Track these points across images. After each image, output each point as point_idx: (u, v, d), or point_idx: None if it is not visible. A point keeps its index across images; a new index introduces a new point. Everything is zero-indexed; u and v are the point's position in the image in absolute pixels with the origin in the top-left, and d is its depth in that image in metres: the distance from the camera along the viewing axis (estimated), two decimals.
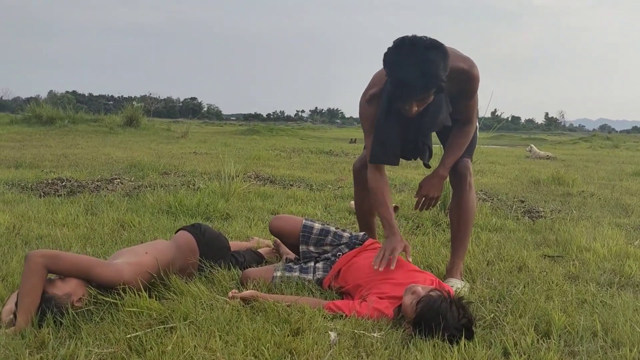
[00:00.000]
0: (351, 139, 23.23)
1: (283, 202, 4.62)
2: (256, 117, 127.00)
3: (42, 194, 4.55)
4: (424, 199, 2.46)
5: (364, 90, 2.34)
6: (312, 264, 2.37)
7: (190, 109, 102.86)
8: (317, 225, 2.43)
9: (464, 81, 2.23)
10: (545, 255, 3.07)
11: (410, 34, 2.01)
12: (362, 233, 2.46)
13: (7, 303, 1.94)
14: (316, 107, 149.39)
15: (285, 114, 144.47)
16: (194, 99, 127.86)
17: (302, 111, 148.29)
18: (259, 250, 2.83)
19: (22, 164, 6.77)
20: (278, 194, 5.03)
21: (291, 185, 5.79)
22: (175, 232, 2.51)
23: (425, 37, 1.99)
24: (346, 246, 2.38)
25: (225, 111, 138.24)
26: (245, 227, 3.57)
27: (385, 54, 2.02)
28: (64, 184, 5.04)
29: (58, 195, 4.47)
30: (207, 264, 2.36)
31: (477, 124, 2.58)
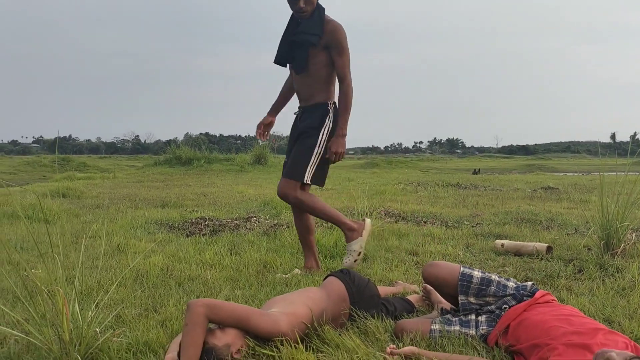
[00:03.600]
0: (474, 170, 22.30)
1: (420, 241, 4.41)
2: (374, 150, 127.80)
3: (188, 233, 4.79)
4: (334, 155, 3.12)
5: None
6: (473, 317, 2.15)
7: None
8: (477, 274, 2.21)
9: (332, 32, 3.05)
10: None
11: None
12: (530, 283, 2.19)
13: (168, 351, 1.96)
14: (434, 138, 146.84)
15: (403, 146, 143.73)
16: None
17: (420, 142, 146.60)
18: (408, 297, 2.65)
19: (167, 204, 7.30)
20: (413, 232, 4.83)
21: (425, 222, 5.55)
22: (324, 278, 2.44)
23: None
24: (513, 298, 2.12)
25: None
26: (386, 269, 3.42)
27: None
28: (206, 223, 5.29)
29: (202, 235, 4.68)
30: (360, 313, 2.24)
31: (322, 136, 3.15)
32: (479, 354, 1.98)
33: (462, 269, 2.23)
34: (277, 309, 1.99)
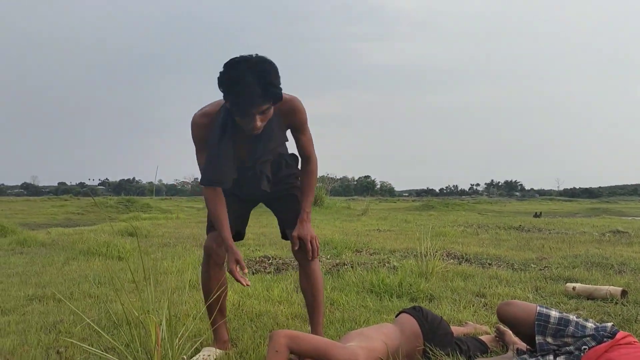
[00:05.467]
0: (536, 213, 21.60)
1: (486, 283, 4.34)
2: (429, 192, 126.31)
3: (254, 271, 4.92)
4: (312, 240, 2.53)
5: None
6: (551, 357, 2.12)
7: (364, 187, 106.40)
8: (555, 314, 2.18)
9: (291, 112, 2.38)
10: None
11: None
12: (610, 324, 2.15)
13: None
14: (492, 180, 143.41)
15: (459, 188, 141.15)
16: (367, 177, 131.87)
17: (477, 184, 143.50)
18: (481, 337, 2.63)
19: None
20: (478, 273, 4.76)
21: (489, 264, 5.46)
22: (396, 315, 2.47)
23: (255, 54, 2.14)
24: (592, 339, 2.08)
25: (398, 187, 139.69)
26: (454, 310, 3.40)
27: (220, 75, 2.11)
28: (270, 261, 5.42)
29: (267, 273, 4.80)
30: (435, 350, 2.25)
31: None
32: None
33: (538, 308, 2.21)
34: (355, 343, 2.04)
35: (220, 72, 2.12)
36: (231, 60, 2.13)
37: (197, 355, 2.39)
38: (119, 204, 27.29)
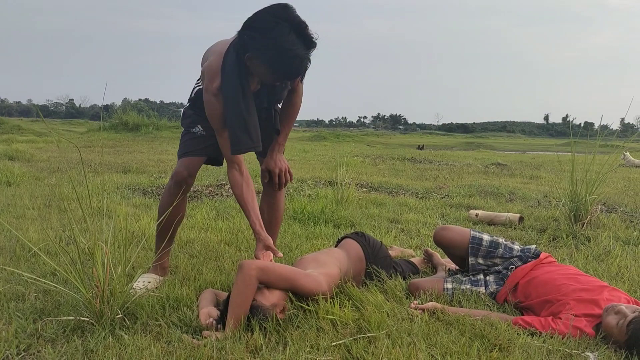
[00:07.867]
0: (419, 146, 22.92)
1: (398, 209, 4.58)
2: (319, 123, 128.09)
3: None
4: (280, 174, 2.43)
5: (202, 86, 2.19)
6: (481, 276, 2.32)
7: None
8: (486, 237, 2.37)
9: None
10: None
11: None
12: (533, 246, 2.38)
13: (201, 306, 2.01)
14: (378, 113, 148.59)
15: (348, 120, 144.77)
16: None
17: (365, 117, 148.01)
18: (411, 260, 2.80)
19: (129, 169, 7.13)
20: (389, 201, 5.00)
21: (396, 192, 5.75)
22: (340, 239, 2.53)
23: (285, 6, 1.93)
24: (519, 259, 2.30)
25: None
26: (377, 235, 3.55)
27: (262, 36, 1.91)
28: None
29: None
30: (380, 272, 2.36)
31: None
32: (490, 309, 2.15)
33: (472, 232, 2.39)
34: (312, 270, 2.07)
35: (261, 32, 1.90)
36: (271, 16, 1.89)
37: (137, 282, 2.29)
38: None
